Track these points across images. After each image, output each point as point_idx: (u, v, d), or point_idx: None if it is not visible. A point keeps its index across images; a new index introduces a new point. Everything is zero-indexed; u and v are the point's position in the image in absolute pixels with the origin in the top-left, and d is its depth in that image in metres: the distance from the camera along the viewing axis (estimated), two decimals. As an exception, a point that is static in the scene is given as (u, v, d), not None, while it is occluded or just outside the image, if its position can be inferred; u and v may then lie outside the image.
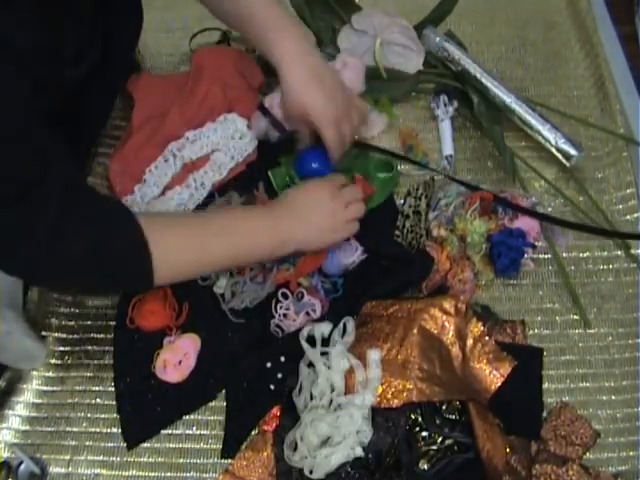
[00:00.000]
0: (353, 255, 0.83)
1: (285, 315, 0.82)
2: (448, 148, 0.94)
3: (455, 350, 0.77)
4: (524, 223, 0.86)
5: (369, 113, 0.93)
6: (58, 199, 0.62)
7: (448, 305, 0.79)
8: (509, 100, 0.94)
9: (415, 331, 0.76)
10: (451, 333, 0.78)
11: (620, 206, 0.92)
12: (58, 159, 0.64)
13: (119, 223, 0.67)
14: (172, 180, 0.92)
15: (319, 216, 0.79)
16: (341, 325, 0.80)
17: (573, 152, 0.91)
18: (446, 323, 0.78)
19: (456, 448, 0.73)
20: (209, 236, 0.75)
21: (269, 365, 0.80)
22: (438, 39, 0.99)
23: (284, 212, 0.79)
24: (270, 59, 0.82)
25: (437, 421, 0.73)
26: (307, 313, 0.82)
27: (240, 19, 0.84)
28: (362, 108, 0.89)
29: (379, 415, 0.73)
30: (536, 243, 0.87)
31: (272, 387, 0.79)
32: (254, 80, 0.98)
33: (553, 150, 0.93)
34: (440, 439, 0.73)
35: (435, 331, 0.78)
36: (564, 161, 0.92)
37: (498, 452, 0.72)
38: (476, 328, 0.79)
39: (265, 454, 0.76)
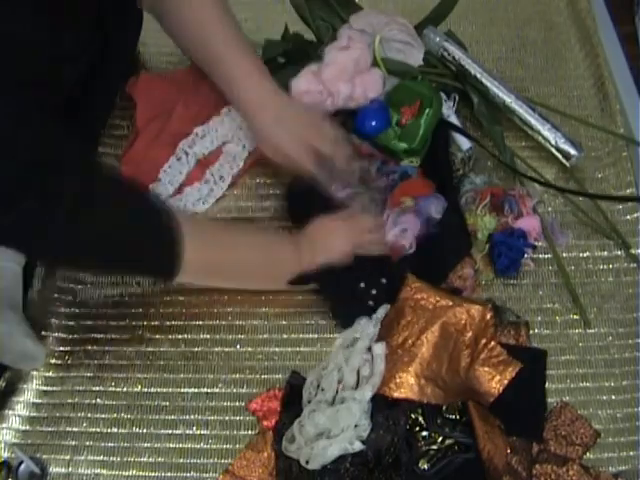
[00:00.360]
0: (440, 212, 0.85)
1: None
2: (465, 142, 0.94)
3: (466, 354, 0.77)
4: (526, 223, 0.86)
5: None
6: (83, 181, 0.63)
7: (475, 311, 0.79)
8: (509, 100, 0.94)
9: (436, 327, 0.77)
10: (468, 336, 0.78)
11: (620, 206, 0.92)
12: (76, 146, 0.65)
13: (156, 208, 0.70)
14: (188, 177, 0.93)
15: (339, 249, 0.82)
16: (377, 315, 0.81)
17: (573, 152, 0.91)
18: (468, 326, 0.78)
19: (456, 448, 0.73)
20: (239, 248, 0.78)
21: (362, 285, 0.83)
22: (438, 39, 0.99)
23: (304, 240, 0.82)
24: (236, 108, 0.89)
25: (438, 421, 0.73)
26: (404, 230, 0.83)
27: (204, 59, 0.88)
28: (327, 125, 0.89)
29: (379, 413, 0.73)
30: (536, 243, 0.87)
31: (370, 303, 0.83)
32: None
33: (553, 150, 0.93)
34: (440, 439, 0.73)
35: (454, 331, 0.78)
36: (564, 161, 0.92)
37: (499, 452, 0.72)
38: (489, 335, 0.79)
39: (265, 454, 0.76)
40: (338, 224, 0.83)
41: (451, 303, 0.79)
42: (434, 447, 0.72)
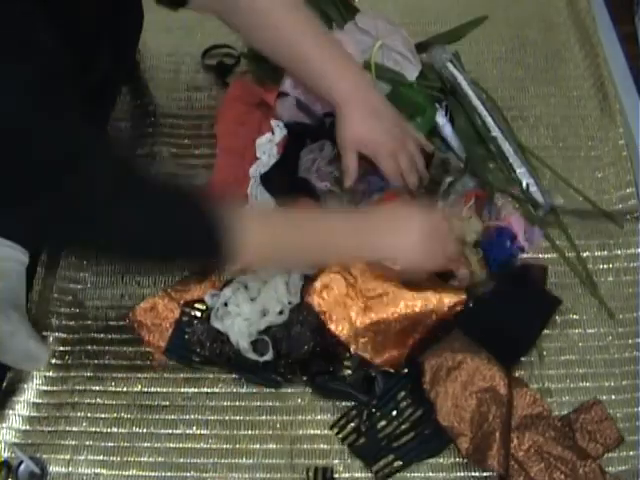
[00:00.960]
0: None
1: None
2: (461, 150, 0.94)
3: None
4: (514, 224, 0.86)
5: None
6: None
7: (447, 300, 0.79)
8: (494, 133, 0.93)
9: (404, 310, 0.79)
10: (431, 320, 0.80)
11: (620, 206, 0.92)
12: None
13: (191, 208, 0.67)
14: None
15: (412, 237, 0.76)
16: None
17: (541, 201, 0.89)
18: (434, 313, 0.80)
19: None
20: (302, 236, 0.74)
21: None
22: (444, 55, 0.98)
23: (375, 224, 0.77)
24: (328, 98, 0.84)
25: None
26: None
27: (291, 59, 0.84)
28: (419, 138, 0.88)
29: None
30: (526, 245, 0.87)
31: None
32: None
33: (519, 194, 0.90)
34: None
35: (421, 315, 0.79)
36: (531, 210, 0.90)
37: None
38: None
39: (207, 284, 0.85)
40: (414, 213, 0.77)
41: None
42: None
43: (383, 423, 0.77)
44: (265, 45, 0.86)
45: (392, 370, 0.79)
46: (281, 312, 0.81)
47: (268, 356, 0.80)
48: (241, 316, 0.80)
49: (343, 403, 0.80)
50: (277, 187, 0.90)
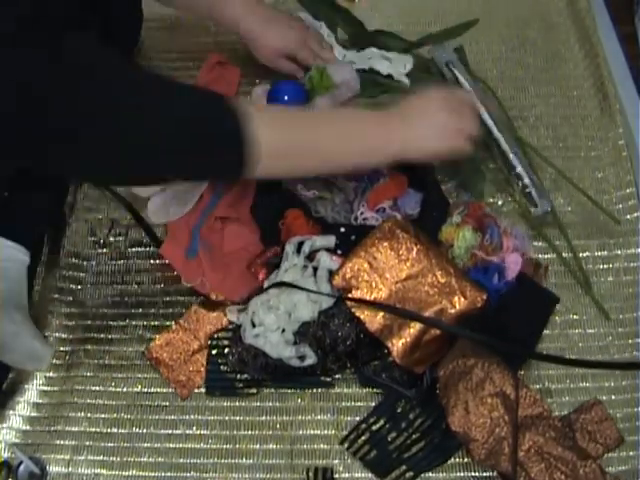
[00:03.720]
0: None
1: (365, 219, 0.87)
2: None
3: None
4: (509, 259, 0.83)
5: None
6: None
7: (469, 293, 0.79)
8: (495, 132, 0.92)
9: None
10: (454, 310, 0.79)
11: (620, 206, 0.92)
12: None
13: (214, 100, 0.66)
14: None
15: (430, 121, 0.77)
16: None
17: (538, 202, 0.88)
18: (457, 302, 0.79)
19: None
20: (317, 125, 0.73)
21: None
22: (445, 55, 0.98)
23: (395, 113, 0.77)
24: (226, 22, 0.91)
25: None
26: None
27: None
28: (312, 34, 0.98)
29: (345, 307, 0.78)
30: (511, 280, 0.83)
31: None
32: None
33: (517, 194, 0.91)
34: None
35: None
36: (530, 208, 0.89)
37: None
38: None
39: (215, 313, 0.84)
40: (436, 96, 0.79)
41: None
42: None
43: (393, 434, 0.77)
44: None
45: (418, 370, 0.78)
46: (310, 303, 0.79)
47: (311, 360, 0.78)
48: (270, 329, 0.79)
49: (343, 403, 0.80)
50: (265, 214, 0.89)
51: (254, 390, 0.81)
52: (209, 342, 0.83)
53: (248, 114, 0.65)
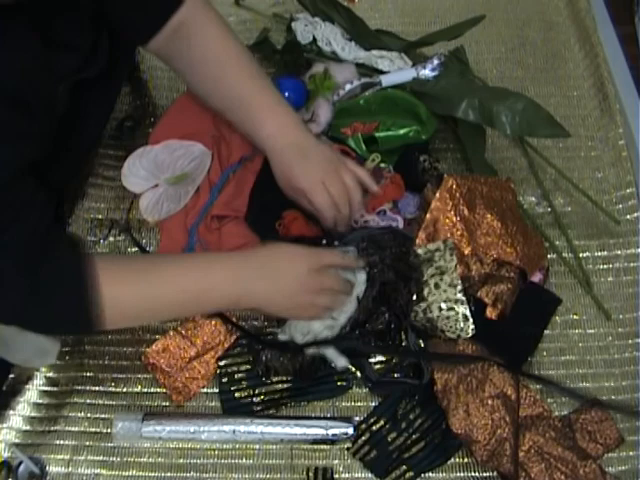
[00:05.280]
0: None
1: (366, 221, 0.87)
2: None
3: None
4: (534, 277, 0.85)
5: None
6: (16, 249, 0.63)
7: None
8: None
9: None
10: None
11: (620, 206, 0.92)
12: (28, 206, 0.64)
13: (66, 279, 0.66)
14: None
15: (288, 285, 0.73)
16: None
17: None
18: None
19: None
20: (160, 283, 0.71)
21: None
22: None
23: (250, 266, 0.73)
24: (256, 140, 0.82)
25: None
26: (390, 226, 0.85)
27: (222, 100, 0.83)
28: (357, 171, 0.83)
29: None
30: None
31: None
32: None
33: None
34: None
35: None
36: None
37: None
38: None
39: (214, 321, 0.83)
40: (299, 252, 0.75)
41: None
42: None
43: (393, 435, 0.77)
44: (205, 86, 0.84)
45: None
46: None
47: (338, 327, 0.78)
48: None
49: (343, 403, 0.80)
50: (261, 217, 0.88)
51: (273, 410, 0.80)
52: (217, 371, 0.82)
53: (100, 281, 0.66)
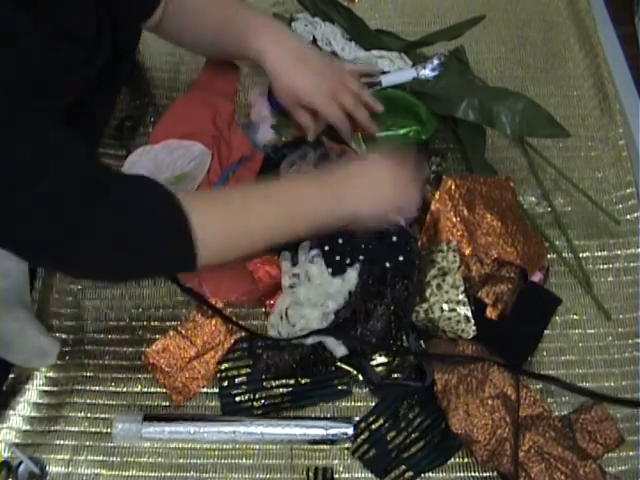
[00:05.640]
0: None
1: None
2: None
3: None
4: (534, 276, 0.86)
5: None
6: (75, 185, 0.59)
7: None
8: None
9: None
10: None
11: (620, 206, 0.92)
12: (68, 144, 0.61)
13: (155, 203, 0.63)
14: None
15: (378, 192, 0.75)
16: None
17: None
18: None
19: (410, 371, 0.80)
20: (251, 205, 0.70)
21: None
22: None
23: (337, 179, 0.74)
24: (251, 56, 0.82)
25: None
26: None
27: (213, 30, 0.84)
28: (351, 78, 0.85)
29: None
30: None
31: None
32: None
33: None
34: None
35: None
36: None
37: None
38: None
39: (214, 321, 0.83)
40: (379, 161, 0.76)
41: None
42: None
43: (392, 434, 0.77)
44: (190, 28, 0.85)
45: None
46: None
47: (332, 315, 0.79)
48: (309, 307, 0.80)
49: (343, 403, 0.80)
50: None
51: (274, 414, 0.80)
52: (217, 375, 0.82)
53: (188, 207, 0.63)
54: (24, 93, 0.59)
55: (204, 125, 0.96)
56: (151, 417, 0.78)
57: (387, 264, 0.81)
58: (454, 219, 0.83)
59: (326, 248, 0.83)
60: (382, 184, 0.75)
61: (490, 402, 0.74)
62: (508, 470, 0.72)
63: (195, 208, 0.64)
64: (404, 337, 0.81)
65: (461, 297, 0.79)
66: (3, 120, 0.56)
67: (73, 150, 0.61)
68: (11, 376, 0.83)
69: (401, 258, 0.81)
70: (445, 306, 0.79)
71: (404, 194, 0.77)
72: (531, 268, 0.83)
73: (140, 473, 0.78)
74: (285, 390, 0.80)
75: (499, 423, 0.74)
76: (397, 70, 0.96)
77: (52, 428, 0.81)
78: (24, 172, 0.56)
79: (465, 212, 0.83)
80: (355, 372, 0.81)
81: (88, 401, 0.82)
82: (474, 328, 0.78)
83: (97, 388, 0.83)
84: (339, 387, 0.81)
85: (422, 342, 0.81)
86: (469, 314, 0.78)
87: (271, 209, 0.70)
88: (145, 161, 0.94)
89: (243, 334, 0.83)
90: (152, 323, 0.87)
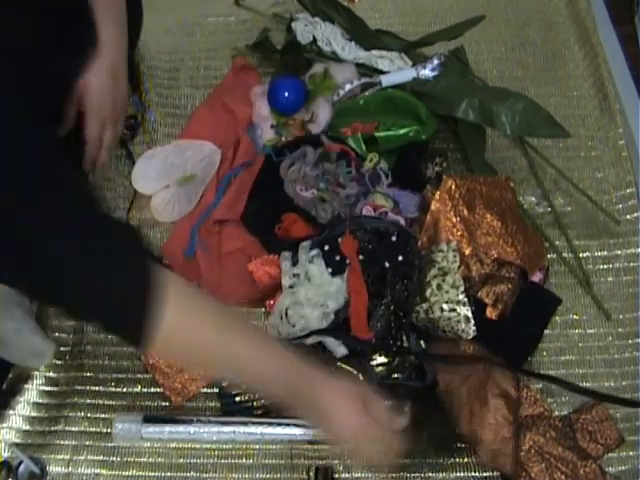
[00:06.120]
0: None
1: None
2: None
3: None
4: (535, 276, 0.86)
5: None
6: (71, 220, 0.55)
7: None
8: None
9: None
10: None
11: (620, 206, 0.92)
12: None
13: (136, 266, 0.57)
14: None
15: (338, 429, 0.65)
16: None
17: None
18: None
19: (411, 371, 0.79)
20: (232, 323, 0.64)
21: None
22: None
23: (316, 390, 0.64)
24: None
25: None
26: None
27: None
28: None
29: None
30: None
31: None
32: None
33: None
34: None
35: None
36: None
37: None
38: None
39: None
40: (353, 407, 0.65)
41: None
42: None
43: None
44: None
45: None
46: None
47: (332, 315, 0.80)
48: (309, 307, 0.80)
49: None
50: (259, 222, 0.88)
51: (274, 414, 0.78)
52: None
53: (163, 294, 0.57)
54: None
55: (224, 131, 0.97)
56: (151, 417, 0.78)
57: (387, 264, 0.81)
58: (454, 219, 0.83)
59: (326, 248, 0.83)
60: (342, 427, 0.65)
61: (494, 402, 0.74)
62: (510, 470, 0.72)
63: (176, 295, 0.58)
64: (404, 337, 0.81)
65: (461, 297, 0.79)
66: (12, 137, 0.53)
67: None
68: (11, 376, 0.83)
69: (401, 258, 0.81)
70: (445, 306, 0.79)
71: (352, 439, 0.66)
72: (531, 268, 0.83)
73: (140, 473, 0.78)
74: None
75: (503, 423, 0.74)
76: (397, 70, 0.96)
77: (52, 428, 0.81)
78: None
79: (465, 212, 0.83)
80: (355, 372, 0.81)
81: (88, 401, 0.82)
82: (474, 328, 0.78)
83: (97, 388, 0.83)
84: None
85: (422, 342, 0.81)
86: (469, 314, 0.78)
87: (241, 364, 0.63)
88: (156, 162, 0.94)
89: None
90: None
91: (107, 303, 0.57)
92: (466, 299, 0.79)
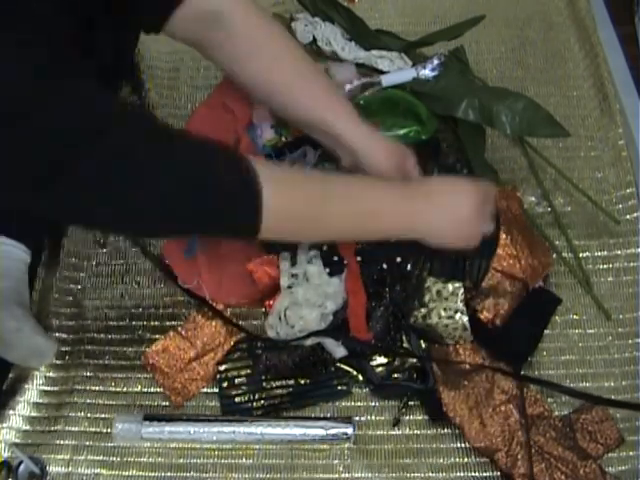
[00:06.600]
0: None
1: None
2: None
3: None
4: None
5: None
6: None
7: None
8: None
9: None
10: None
11: (620, 206, 0.92)
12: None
13: (226, 157, 0.62)
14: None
15: (457, 218, 0.72)
16: None
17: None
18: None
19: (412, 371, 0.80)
20: (331, 198, 0.68)
21: None
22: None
23: (422, 198, 0.71)
24: (332, 135, 0.79)
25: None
26: None
27: (297, 112, 0.80)
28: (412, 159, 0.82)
29: None
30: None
31: None
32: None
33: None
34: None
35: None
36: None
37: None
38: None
39: (214, 323, 0.83)
40: (466, 185, 0.73)
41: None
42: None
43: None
44: (254, 80, 0.80)
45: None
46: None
47: (331, 316, 0.80)
48: (307, 308, 0.80)
49: (343, 404, 0.80)
50: None
51: (273, 414, 0.80)
52: (217, 376, 0.82)
53: (262, 179, 0.62)
54: None
55: (224, 131, 0.96)
56: (151, 417, 0.78)
57: (385, 265, 0.81)
58: None
59: (324, 248, 0.83)
60: (462, 208, 0.72)
61: (503, 408, 0.75)
62: (528, 471, 0.72)
63: (273, 180, 0.63)
64: (403, 338, 0.81)
65: (460, 305, 0.79)
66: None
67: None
68: (11, 375, 0.84)
69: (399, 259, 0.81)
70: (443, 313, 0.78)
71: (477, 225, 0.73)
72: (533, 279, 0.83)
73: (140, 473, 0.78)
74: (285, 390, 0.81)
75: (516, 427, 0.74)
76: (397, 70, 0.96)
77: (52, 428, 0.81)
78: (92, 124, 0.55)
79: None
80: (355, 372, 0.81)
81: (88, 401, 0.82)
82: (471, 337, 0.79)
83: (97, 388, 0.83)
84: (339, 387, 0.81)
85: (422, 342, 0.81)
86: (466, 323, 0.78)
87: (349, 211, 0.69)
88: None
89: (243, 335, 0.83)
90: (152, 323, 0.87)
91: (220, 199, 0.61)
92: (464, 307, 0.79)
